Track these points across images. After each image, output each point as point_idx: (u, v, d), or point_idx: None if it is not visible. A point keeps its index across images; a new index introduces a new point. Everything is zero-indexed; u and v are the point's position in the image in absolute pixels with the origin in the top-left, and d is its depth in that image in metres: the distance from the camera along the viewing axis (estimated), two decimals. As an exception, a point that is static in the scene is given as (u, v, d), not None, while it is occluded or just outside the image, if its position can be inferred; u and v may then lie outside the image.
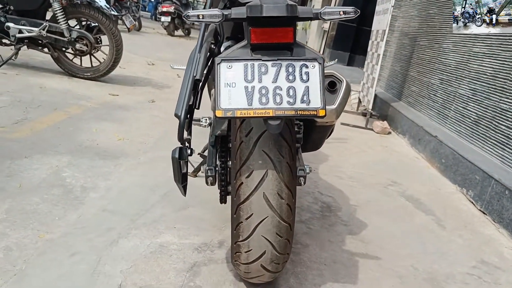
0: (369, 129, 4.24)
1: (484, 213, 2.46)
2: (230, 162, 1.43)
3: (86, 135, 2.64)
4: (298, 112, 1.06)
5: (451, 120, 3.35)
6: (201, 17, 1.05)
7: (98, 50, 4.17)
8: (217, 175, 1.42)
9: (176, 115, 1.19)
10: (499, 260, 1.97)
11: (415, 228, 2.16)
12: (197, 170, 2.25)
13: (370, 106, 4.38)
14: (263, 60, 1.09)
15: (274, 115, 1.05)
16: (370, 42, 4.79)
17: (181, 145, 1.23)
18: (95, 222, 1.70)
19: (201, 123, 1.74)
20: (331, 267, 1.66)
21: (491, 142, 2.72)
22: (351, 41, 7.83)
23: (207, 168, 1.40)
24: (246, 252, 1.22)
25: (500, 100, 2.69)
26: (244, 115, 1.05)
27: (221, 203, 1.48)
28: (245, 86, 1.07)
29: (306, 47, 1.13)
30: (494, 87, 2.79)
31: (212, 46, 1.51)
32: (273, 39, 1.09)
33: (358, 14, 1.08)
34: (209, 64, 1.43)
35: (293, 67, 1.08)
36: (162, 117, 3.38)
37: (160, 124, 3.17)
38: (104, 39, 4.14)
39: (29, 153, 2.21)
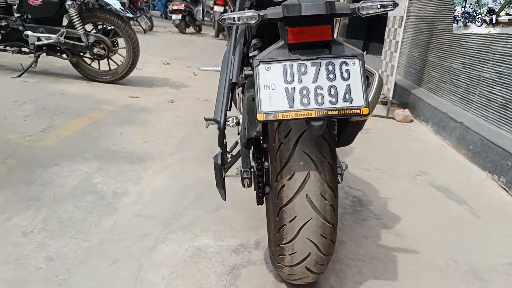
0: (390, 118, 4.18)
1: (518, 199, 2.41)
2: (265, 163, 1.41)
3: (111, 140, 2.65)
4: (341, 111, 1.03)
5: (476, 105, 3.27)
6: (236, 19, 1.03)
7: (115, 53, 4.18)
8: (252, 177, 1.40)
9: (215, 120, 1.17)
10: (540, 248, 1.92)
11: (448, 219, 2.12)
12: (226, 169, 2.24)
13: (391, 95, 4.31)
14: (302, 60, 1.06)
15: (317, 115, 1.03)
16: (387, 29, 4.69)
17: (221, 150, 1.22)
18: (130, 227, 1.70)
19: (228, 123, 1.73)
20: (369, 263, 1.64)
21: (522, 127, 2.65)
22: (365, 28, 7.69)
23: (242, 170, 1.38)
24: (290, 254, 1.21)
25: (530, 82, 2.61)
26: (286, 118, 1.03)
27: (258, 204, 1.47)
28: (285, 88, 1.04)
29: (345, 44, 1.10)
30: (522, 69, 2.71)
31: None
32: (311, 38, 1.06)
33: (397, 7, 1.04)
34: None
35: (333, 65, 1.05)
36: (183, 117, 3.38)
37: (182, 125, 3.17)
38: (121, 41, 4.15)
39: (58, 161, 2.23)
